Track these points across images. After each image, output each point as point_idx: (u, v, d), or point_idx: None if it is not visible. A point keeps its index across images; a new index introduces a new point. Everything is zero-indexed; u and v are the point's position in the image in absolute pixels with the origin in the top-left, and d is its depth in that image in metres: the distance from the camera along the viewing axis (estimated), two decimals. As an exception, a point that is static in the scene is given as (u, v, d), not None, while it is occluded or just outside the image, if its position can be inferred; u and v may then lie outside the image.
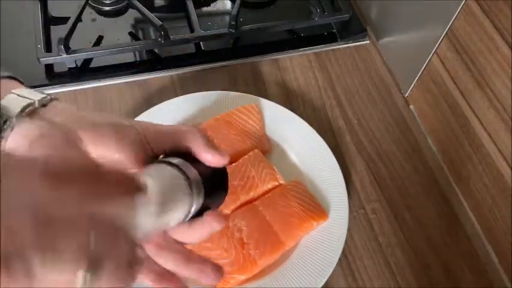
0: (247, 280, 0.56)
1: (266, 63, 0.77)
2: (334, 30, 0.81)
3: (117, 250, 0.25)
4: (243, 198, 0.61)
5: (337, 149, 0.68)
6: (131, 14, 0.80)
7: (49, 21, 0.76)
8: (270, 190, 0.62)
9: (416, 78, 0.71)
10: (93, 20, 0.79)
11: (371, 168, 0.68)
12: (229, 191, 0.37)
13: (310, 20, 0.79)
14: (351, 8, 0.81)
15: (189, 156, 0.34)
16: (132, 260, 0.26)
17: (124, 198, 0.27)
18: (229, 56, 0.77)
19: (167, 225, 0.32)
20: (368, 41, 0.81)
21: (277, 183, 0.62)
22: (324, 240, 0.59)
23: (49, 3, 0.78)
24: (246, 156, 0.63)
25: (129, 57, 0.75)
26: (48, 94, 0.34)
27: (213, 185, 0.34)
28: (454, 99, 0.64)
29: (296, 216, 0.59)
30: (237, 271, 0.56)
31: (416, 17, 0.70)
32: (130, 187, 0.28)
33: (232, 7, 0.77)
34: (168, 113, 0.66)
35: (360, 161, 0.68)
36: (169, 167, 0.32)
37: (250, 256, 0.57)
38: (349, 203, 0.62)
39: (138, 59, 0.76)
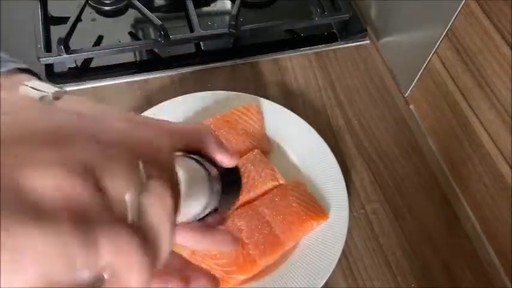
0: (247, 280, 0.56)
1: (266, 63, 0.77)
2: (334, 30, 0.81)
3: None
4: (243, 198, 0.60)
5: (337, 148, 0.68)
6: (131, 14, 0.80)
7: (49, 21, 0.76)
8: (270, 190, 0.62)
9: (416, 78, 0.71)
10: (93, 20, 0.79)
11: (371, 168, 0.68)
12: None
13: (310, 20, 0.79)
14: (351, 8, 0.81)
15: (201, 155, 0.33)
16: None
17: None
18: (229, 56, 0.77)
19: (184, 216, 0.30)
20: (368, 41, 0.81)
21: (277, 183, 0.62)
22: (324, 240, 0.59)
23: (49, 3, 0.78)
24: (246, 156, 0.63)
25: (129, 57, 0.75)
26: (60, 87, 0.33)
27: (228, 184, 0.33)
28: (454, 99, 0.64)
29: (296, 216, 0.59)
30: (237, 271, 0.56)
31: (416, 17, 0.70)
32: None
33: (232, 7, 0.77)
34: (168, 113, 0.66)
35: (360, 161, 0.68)
36: (190, 160, 0.31)
37: (250, 256, 0.56)
38: (349, 203, 0.62)
39: (138, 59, 0.76)
